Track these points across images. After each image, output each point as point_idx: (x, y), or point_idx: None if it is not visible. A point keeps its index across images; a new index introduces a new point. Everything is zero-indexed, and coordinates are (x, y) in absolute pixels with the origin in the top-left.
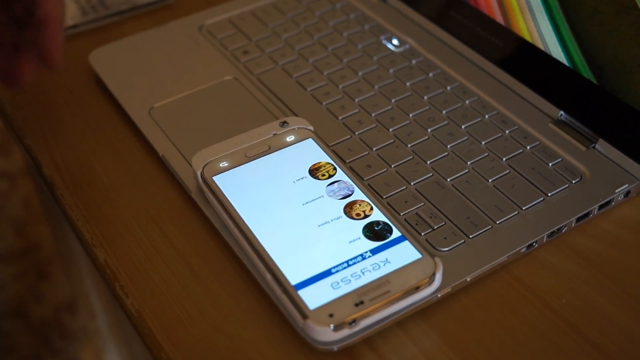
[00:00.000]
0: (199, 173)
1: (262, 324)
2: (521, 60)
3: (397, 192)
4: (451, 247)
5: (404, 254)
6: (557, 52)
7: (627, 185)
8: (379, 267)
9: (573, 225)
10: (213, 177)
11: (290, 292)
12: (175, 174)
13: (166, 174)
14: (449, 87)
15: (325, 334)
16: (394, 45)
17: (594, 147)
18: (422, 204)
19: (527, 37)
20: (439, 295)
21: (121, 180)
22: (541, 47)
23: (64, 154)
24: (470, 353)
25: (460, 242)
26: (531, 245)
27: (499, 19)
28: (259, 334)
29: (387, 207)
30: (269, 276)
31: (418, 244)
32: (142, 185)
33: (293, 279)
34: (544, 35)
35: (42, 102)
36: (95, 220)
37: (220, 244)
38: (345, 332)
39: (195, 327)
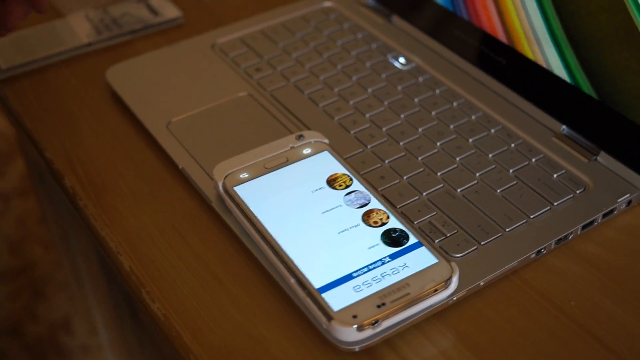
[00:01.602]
0: (220, 184)
1: (285, 326)
2: (524, 77)
3: (410, 202)
4: (464, 253)
5: (421, 259)
6: (558, 69)
7: (628, 195)
8: (398, 271)
9: (579, 232)
10: (234, 188)
11: (314, 295)
12: (195, 184)
13: (185, 185)
14: (455, 103)
15: (350, 334)
16: (400, 63)
17: (595, 159)
18: (435, 213)
19: (529, 55)
20: (454, 298)
21: (141, 191)
22: (543, 64)
23: (84, 167)
24: (486, 352)
25: (472, 248)
26: (540, 251)
27: (502, 38)
28: (283, 335)
29: (405, 217)
30: (292, 280)
31: (434, 250)
32: (162, 195)
33: (317, 282)
34: (546, 53)
35: (61, 117)
36: (119, 229)
37: (241, 250)
38: (368, 332)
39: (221, 329)
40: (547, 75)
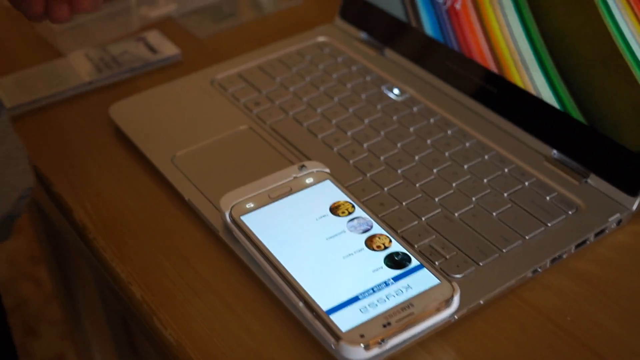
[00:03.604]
0: (227, 214)
1: (295, 349)
2: (514, 104)
3: (410, 227)
4: (464, 273)
5: (424, 280)
6: (547, 95)
7: (618, 215)
8: (402, 292)
9: (572, 251)
10: (241, 217)
11: (322, 317)
12: (201, 215)
13: (191, 216)
14: (449, 131)
15: (358, 353)
16: (395, 94)
17: (586, 182)
18: (434, 236)
19: (519, 83)
20: (456, 317)
21: (149, 223)
22: (532, 91)
23: (92, 201)
24: None
25: (471, 269)
26: (536, 270)
27: (492, 67)
28: (293, 358)
29: (406, 241)
30: (300, 304)
31: (435, 271)
32: (169, 227)
33: (324, 305)
34: (535, 80)
35: (66, 153)
36: (129, 260)
37: (249, 277)
38: (375, 351)
39: (233, 354)
40: (536, 102)
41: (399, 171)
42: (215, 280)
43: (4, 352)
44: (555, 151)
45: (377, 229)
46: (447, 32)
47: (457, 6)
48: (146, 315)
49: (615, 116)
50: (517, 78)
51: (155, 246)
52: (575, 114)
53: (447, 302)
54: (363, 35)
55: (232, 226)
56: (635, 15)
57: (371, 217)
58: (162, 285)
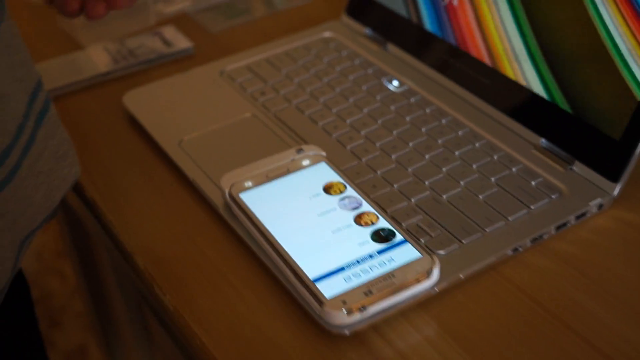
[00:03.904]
0: (226, 191)
1: (283, 315)
2: (506, 95)
3: (399, 207)
4: (446, 250)
5: (406, 253)
6: (537, 87)
7: (599, 199)
8: (385, 264)
9: (553, 232)
10: (239, 194)
11: (309, 285)
12: (204, 194)
13: (195, 196)
14: (443, 120)
15: (339, 317)
16: (394, 86)
17: (571, 169)
18: (421, 216)
19: (511, 76)
20: (436, 289)
21: (156, 202)
22: (523, 83)
23: (104, 180)
24: (466, 339)
25: (454, 246)
26: (516, 249)
27: (486, 60)
28: (282, 323)
29: (392, 219)
30: (289, 273)
31: (418, 246)
32: (174, 205)
33: (311, 274)
34: (526, 72)
35: (82, 138)
36: (134, 234)
37: (245, 250)
38: (357, 316)
39: (226, 319)
40: (526, 93)
41: (393, 156)
42: (214, 254)
43: (31, 341)
44: (543, 140)
45: (366, 207)
46: (445, 28)
47: (455, 2)
48: (148, 283)
49: (599, 106)
50: (509, 70)
51: (160, 221)
52: (563, 104)
53: (428, 274)
54: (367, 31)
55: (231, 203)
56: (619, 9)
57: (361, 196)
58: (164, 257)
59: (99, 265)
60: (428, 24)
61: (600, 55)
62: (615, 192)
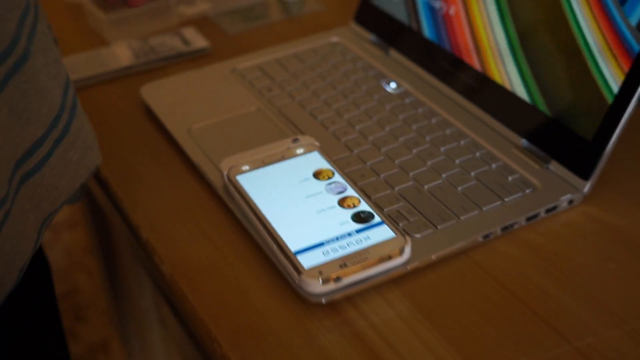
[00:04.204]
0: (225, 174)
1: (268, 285)
2: (492, 98)
3: (383, 194)
4: (422, 234)
5: (382, 233)
6: (521, 91)
7: (569, 195)
8: (362, 241)
9: (523, 223)
10: (236, 177)
11: (290, 256)
12: (206, 176)
13: (198, 178)
14: (433, 120)
15: (315, 286)
16: (391, 87)
17: (547, 167)
18: (402, 203)
19: (497, 80)
20: (409, 267)
21: (163, 182)
22: (508, 87)
23: (118, 162)
24: (434, 315)
25: (429, 230)
26: (487, 236)
27: (477, 66)
28: (264, 291)
29: (373, 203)
30: (274, 246)
31: (393, 227)
32: (179, 185)
33: (293, 247)
34: (511, 78)
35: (101, 124)
36: (141, 210)
37: (238, 227)
38: (331, 286)
39: (215, 285)
40: (511, 96)
41: (383, 150)
42: (210, 229)
43: (54, 334)
44: (524, 140)
45: (350, 192)
46: (442, 35)
47: (451, 12)
48: (148, 253)
49: (574, 109)
50: (496, 75)
51: (165, 200)
52: (542, 107)
53: (400, 252)
54: (372, 37)
55: (228, 184)
56: (600, 30)
57: (347, 182)
58: (165, 230)
59: (122, 264)
60: (427, 31)
61: (576, 62)
62: (586, 189)
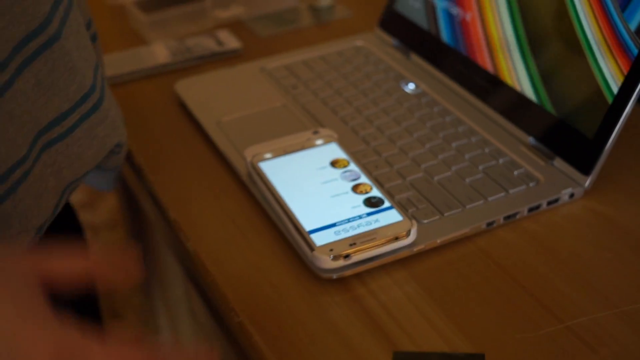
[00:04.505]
0: (249, 160)
1: (283, 262)
2: (502, 98)
3: (395, 184)
4: (429, 220)
5: (391, 217)
6: (529, 92)
7: (570, 189)
8: (371, 223)
9: (526, 213)
10: (259, 163)
11: (304, 235)
12: (231, 163)
13: (224, 165)
14: (447, 118)
15: (326, 262)
16: (409, 88)
17: (552, 163)
18: (412, 192)
19: (508, 82)
20: (414, 249)
21: (193, 169)
22: (518, 88)
23: (152, 150)
24: (436, 293)
25: (436, 217)
26: (491, 223)
27: (490, 68)
28: (281, 268)
29: (385, 190)
30: (290, 226)
31: (402, 211)
32: (207, 172)
33: (307, 227)
34: (521, 79)
35: (138, 116)
36: (170, 192)
37: (259, 209)
38: (341, 262)
39: (235, 262)
40: (520, 97)
41: (397, 144)
42: (233, 211)
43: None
44: (531, 138)
45: (363, 179)
46: (458, 39)
47: (467, 18)
48: (176, 232)
49: (577, 108)
50: (507, 77)
51: (194, 184)
52: (549, 107)
53: (407, 234)
54: (395, 42)
55: (251, 170)
56: (603, 35)
57: (361, 171)
58: (192, 211)
59: (156, 260)
60: (444, 36)
61: (580, 64)
62: (587, 183)
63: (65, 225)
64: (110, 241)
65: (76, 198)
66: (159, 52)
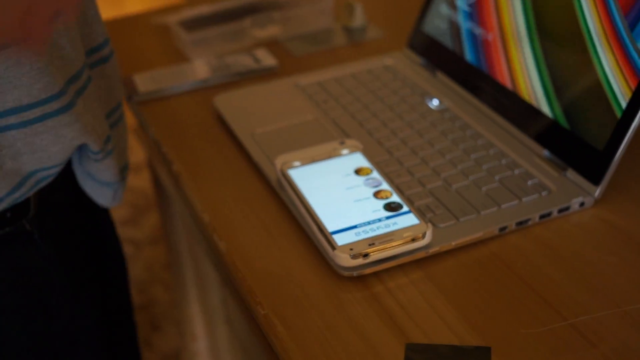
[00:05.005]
0: (278, 168)
1: (307, 261)
2: (520, 113)
3: (415, 191)
4: (445, 224)
5: (408, 220)
6: (545, 108)
7: (581, 198)
8: (389, 226)
9: (537, 220)
10: (288, 170)
11: (327, 235)
12: (262, 171)
13: (257, 173)
14: (467, 132)
15: (346, 260)
16: (434, 104)
17: (564, 174)
18: (431, 199)
19: (525, 97)
20: (430, 251)
21: (227, 176)
22: (534, 104)
23: (190, 159)
24: (450, 292)
25: (451, 222)
26: (503, 229)
27: (509, 85)
28: (305, 266)
29: (404, 197)
30: (314, 227)
31: (419, 215)
32: (240, 178)
33: (330, 228)
34: (537, 95)
35: (179, 128)
36: (206, 198)
37: (287, 213)
38: (360, 261)
39: (263, 260)
40: (536, 112)
41: (419, 155)
42: (263, 214)
43: (130, 340)
44: (545, 150)
45: (385, 186)
46: (480, 59)
47: (489, 38)
48: (209, 233)
49: (588, 122)
50: (525, 94)
51: (227, 190)
52: (562, 121)
53: (422, 236)
54: (422, 61)
55: (281, 176)
56: (613, 54)
57: (383, 178)
58: (225, 214)
59: (198, 273)
60: (468, 55)
61: (591, 82)
62: (596, 193)
63: (104, 240)
64: (152, 257)
65: (119, 214)
66: (200, 69)
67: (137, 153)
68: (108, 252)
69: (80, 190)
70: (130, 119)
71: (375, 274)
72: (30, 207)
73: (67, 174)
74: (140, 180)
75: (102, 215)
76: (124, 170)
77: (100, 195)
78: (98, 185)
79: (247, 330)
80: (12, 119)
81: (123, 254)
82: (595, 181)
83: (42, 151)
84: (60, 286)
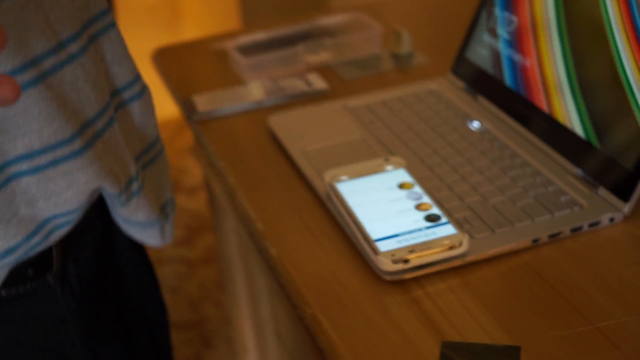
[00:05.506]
0: (327, 181)
1: (352, 266)
2: (555, 134)
3: (454, 205)
4: (481, 235)
5: (446, 230)
6: (578, 129)
7: (611, 214)
8: (429, 235)
9: (568, 233)
10: (335, 184)
11: (371, 242)
12: (312, 184)
13: (307, 187)
14: (505, 152)
15: (387, 265)
16: (474, 126)
17: (596, 192)
18: (468, 212)
19: (560, 120)
20: (466, 259)
21: (279, 189)
22: (569, 126)
23: (245, 174)
24: (486, 298)
25: (487, 233)
26: (536, 240)
27: (545, 108)
28: (350, 271)
29: (444, 209)
30: (360, 235)
31: (456, 226)
32: (292, 191)
33: (374, 236)
34: (572, 118)
35: (235, 146)
36: (260, 209)
37: (333, 222)
38: (401, 266)
39: (312, 266)
40: (570, 133)
41: (459, 172)
42: (311, 223)
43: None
44: (578, 169)
45: (425, 199)
46: (519, 83)
47: (527, 64)
48: (262, 240)
49: (619, 143)
50: (560, 116)
51: (279, 202)
52: (595, 142)
53: (460, 244)
54: (465, 85)
55: (329, 189)
56: (637, 67)
57: (424, 192)
58: (276, 223)
59: (249, 287)
60: (507, 80)
61: (622, 106)
62: (626, 209)
63: (140, 292)
64: (206, 276)
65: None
66: (255, 91)
67: (191, 176)
68: (144, 304)
69: (112, 242)
70: (188, 137)
71: (415, 279)
72: (53, 262)
73: (93, 227)
74: (194, 203)
75: (138, 269)
76: (165, 206)
77: (147, 237)
78: (140, 227)
79: (296, 341)
80: (25, 165)
81: (164, 304)
82: (625, 198)
83: (56, 196)
84: (80, 338)
